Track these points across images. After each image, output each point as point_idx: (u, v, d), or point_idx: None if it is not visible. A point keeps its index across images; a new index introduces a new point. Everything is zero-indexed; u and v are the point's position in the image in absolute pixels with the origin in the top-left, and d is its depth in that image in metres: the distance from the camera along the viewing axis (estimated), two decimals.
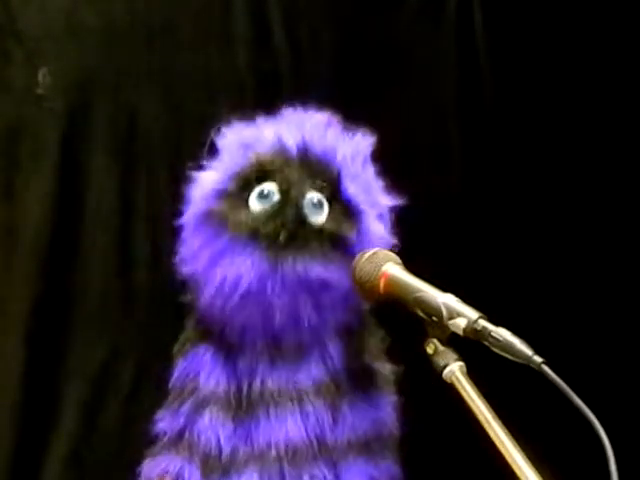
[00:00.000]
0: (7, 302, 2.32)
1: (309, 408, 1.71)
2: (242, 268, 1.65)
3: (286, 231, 1.65)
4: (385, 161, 1.77)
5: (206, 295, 1.71)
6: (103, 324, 2.35)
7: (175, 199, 2.18)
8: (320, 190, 1.69)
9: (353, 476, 1.71)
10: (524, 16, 2.52)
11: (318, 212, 1.69)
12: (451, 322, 1.44)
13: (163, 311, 2.31)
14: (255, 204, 1.69)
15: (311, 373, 1.73)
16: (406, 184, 1.76)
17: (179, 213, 1.77)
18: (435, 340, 1.46)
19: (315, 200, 1.69)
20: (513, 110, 2.51)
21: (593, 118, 2.50)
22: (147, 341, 2.33)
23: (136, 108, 2.39)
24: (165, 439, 1.73)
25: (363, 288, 1.60)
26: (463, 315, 1.43)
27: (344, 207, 1.71)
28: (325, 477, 1.69)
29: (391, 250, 1.67)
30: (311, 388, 1.72)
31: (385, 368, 1.79)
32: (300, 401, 1.71)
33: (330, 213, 1.69)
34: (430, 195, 2.36)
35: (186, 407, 1.72)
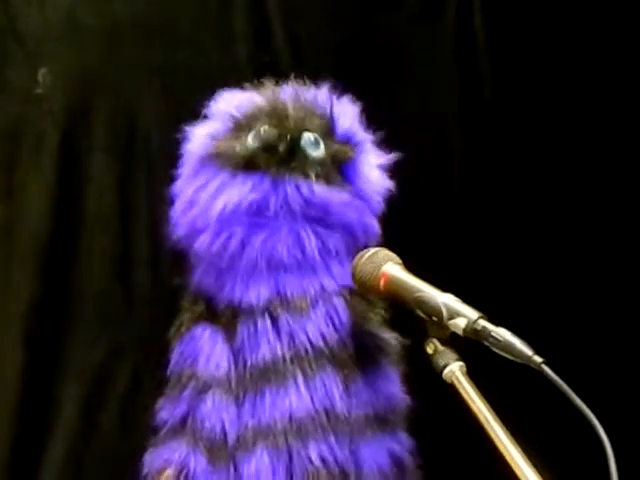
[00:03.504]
0: (6, 302, 2.31)
1: (316, 378, 1.65)
2: (242, 192, 1.63)
3: (285, 144, 1.66)
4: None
5: (204, 244, 1.67)
6: (102, 324, 2.34)
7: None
8: (314, 130, 1.71)
9: (373, 452, 1.67)
10: (524, 17, 2.52)
11: (316, 148, 1.70)
12: (451, 322, 1.44)
13: (163, 311, 2.31)
14: (252, 141, 1.69)
15: (319, 329, 1.67)
16: (406, 184, 1.76)
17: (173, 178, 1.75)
18: (435, 340, 1.46)
19: (312, 138, 1.70)
20: (513, 110, 2.51)
21: (593, 118, 2.50)
22: (146, 341, 2.33)
23: (136, 108, 2.39)
24: (167, 427, 1.69)
25: (363, 288, 1.61)
26: (463, 315, 1.43)
27: (340, 141, 1.73)
28: (334, 452, 1.64)
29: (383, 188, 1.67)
30: (320, 349, 1.66)
31: (390, 336, 1.76)
32: (305, 370, 1.65)
33: (327, 149, 1.71)
34: (430, 195, 2.36)
35: (187, 393, 1.68)
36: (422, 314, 1.49)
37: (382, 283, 1.57)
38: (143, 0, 2.41)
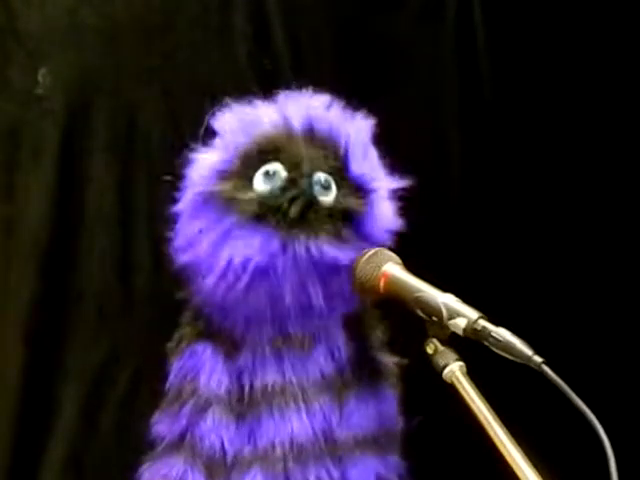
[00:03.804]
0: (6, 302, 2.31)
1: (315, 404, 1.65)
2: (250, 249, 1.58)
3: (297, 206, 1.59)
4: (385, 161, 1.77)
5: (208, 283, 1.63)
6: (102, 325, 2.34)
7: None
8: (327, 170, 1.65)
9: (360, 473, 1.67)
10: (524, 16, 2.52)
11: (326, 193, 1.64)
12: (451, 322, 1.44)
13: (163, 312, 2.31)
14: (260, 184, 1.63)
15: (319, 366, 1.67)
16: (406, 184, 1.75)
17: (174, 200, 1.71)
18: (435, 340, 1.46)
19: (323, 180, 1.64)
20: (513, 110, 2.51)
21: (593, 118, 2.50)
22: (146, 342, 2.33)
23: (136, 108, 2.39)
24: (165, 443, 1.67)
25: (363, 288, 1.60)
26: (463, 315, 1.43)
27: (352, 186, 1.66)
28: (331, 475, 1.64)
29: (395, 235, 1.65)
30: (318, 382, 1.66)
31: (389, 360, 1.76)
32: (306, 397, 1.65)
33: (338, 193, 1.65)
34: (430, 195, 2.36)
35: (187, 409, 1.66)
36: (422, 314, 1.49)
37: (382, 283, 1.57)
38: (143, 0, 2.41)
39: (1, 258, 2.32)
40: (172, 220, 1.71)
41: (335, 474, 1.65)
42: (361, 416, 1.68)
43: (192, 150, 1.71)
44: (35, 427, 2.29)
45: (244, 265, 1.59)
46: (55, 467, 2.30)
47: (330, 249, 1.60)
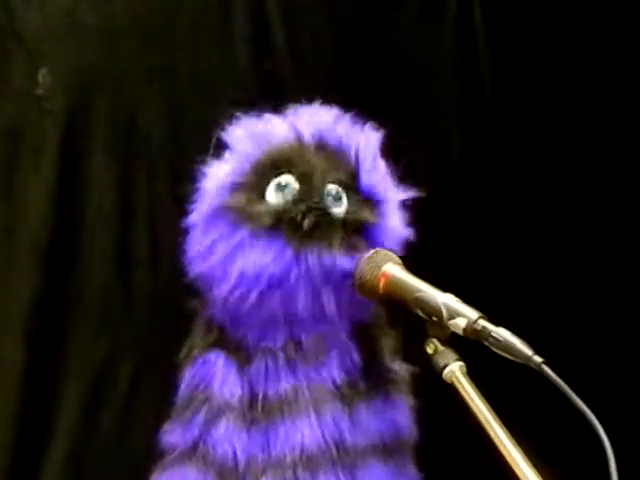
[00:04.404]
0: (6, 302, 2.31)
1: (327, 412, 1.65)
2: (264, 260, 1.59)
3: (311, 218, 1.61)
4: (385, 161, 1.77)
5: (220, 293, 1.64)
6: (102, 324, 2.34)
7: (175, 199, 2.18)
8: (338, 182, 1.66)
9: None
10: (524, 16, 2.52)
11: (338, 204, 1.66)
12: (451, 322, 1.44)
13: (163, 311, 2.31)
14: (273, 196, 1.64)
15: (331, 374, 1.67)
16: (405, 184, 1.76)
17: (185, 212, 1.72)
18: (435, 340, 1.46)
19: (334, 192, 1.65)
20: (513, 110, 2.51)
21: (593, 118, 2.50)
22: (146, 342, 2.33)
23: (136, 108, 2.39)
24: (177, 451, 1.66)
25: (363, 288, 1.60)
26: (463, 315, 1.43)
27: (362, 197, 1.68)
28: None
29: (405, 243, 1.66)
30: (330, 391, 1.66)
31: (401, 368, 1.76)
32: (318, 405, 1.65)
33: (349, 204, 1.66)
34: (430, 195, 2.36)
35: (199, 418, 1.65)
36: (422, 314, 1.49)
37: (382, 283, 1.57)
38: (143, 0, 2.41)
39: (1, 258, 2.32)
40: (185, 231, 1.71)
41: None
42: (372, 425, 1.68)
43: (203, 163, 1.72)
44: (35, 427, 2.29)
45: (258, 276, 1.60)
46: (55, 467, 2.30)
47: (343, 260, 1.61)
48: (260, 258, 1.61)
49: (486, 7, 2.54)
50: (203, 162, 1.72)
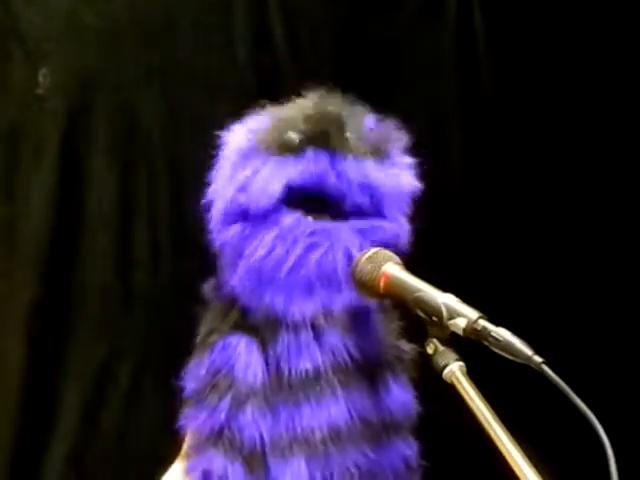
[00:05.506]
0: (7, 302, 2.32)
1: (352, 387, 1.65)
2: (301, 167, 1.61)
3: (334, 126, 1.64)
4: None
5: (258, 251, 1.62)
6: (103, 324, 2.35)
7: (175, 199, 2.18)
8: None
9: (391, 457, 1.67)
10: (524, 16, 2.52)
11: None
12: (451, 322, 1.43)
13: (163, 311, 2.31)
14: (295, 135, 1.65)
15: (359, 346, 1.66)
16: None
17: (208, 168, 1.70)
18: (435, 340, 1.46)
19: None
20: (513, 110, 2.51)
21: (593, 117, 2.50)
22: (147, 341, 2.33)
23: (136, 108, 2.39)
24: (204, 437, 1.64)
25: (363, 288, 1.60)
26: (463, 315, 1.42)
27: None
28: (369, 459, 1.64)
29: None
30: (357, 364, 1.65)
31: (409, 347, 1.75)
32: (343, 380, 1.64)
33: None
34: (430, 195, 2.36)
35: (224, 404, 1.63)
36: (422, 314, 1.48)
37: (382, 283, 1.57)
38: (143, 0, 2.41)
39: (2, 258, 2.33)
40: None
41: (372, 457, 1.65)
42: (390, 402, 1.69)
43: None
44: (36, 426, 2.30)
45: (295, 191, 1.61)
46: (56, 466, 2.30)
47: (373, 167, 1.66)
48: (296, 169, 1.61)
49: (486, 7, 2.54)
50: (203, 162, 1.72)
